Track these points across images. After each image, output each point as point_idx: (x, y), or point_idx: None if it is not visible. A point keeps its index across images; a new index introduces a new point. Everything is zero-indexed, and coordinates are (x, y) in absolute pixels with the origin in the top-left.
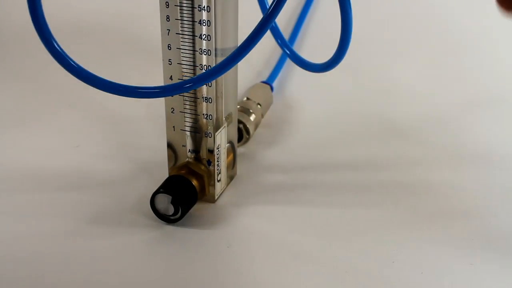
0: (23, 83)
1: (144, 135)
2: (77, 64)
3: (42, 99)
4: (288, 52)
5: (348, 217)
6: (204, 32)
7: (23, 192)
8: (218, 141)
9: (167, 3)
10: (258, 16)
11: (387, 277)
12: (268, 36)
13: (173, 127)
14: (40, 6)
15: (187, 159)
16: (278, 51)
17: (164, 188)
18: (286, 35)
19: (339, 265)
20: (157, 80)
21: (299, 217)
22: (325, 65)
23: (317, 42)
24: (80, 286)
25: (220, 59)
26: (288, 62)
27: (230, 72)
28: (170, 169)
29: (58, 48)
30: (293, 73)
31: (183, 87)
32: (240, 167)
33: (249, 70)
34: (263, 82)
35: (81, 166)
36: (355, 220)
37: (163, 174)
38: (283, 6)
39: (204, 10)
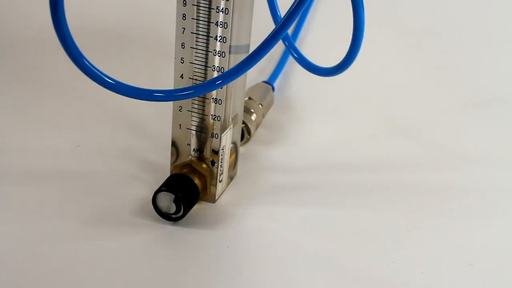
0: (23, 83)
1: (145, 135)
2: (116, 81)
3: (42, 99)
4: (296, 55)
5: (348, 217)
6: (219, 34)
7: (23, 192)
8: (223, 142)
9: (184, 2)
10: (267, 13)
11: (387, 277)
12: None
13: (179, 125)
14: (65, 21)
15: (190, 157)
16: (279, 51)
17: (167, 186)
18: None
19: (339, 265)
20: (167, 78)
21: (299, 217)
22: (334, 69)
23: (318, 43)
24: (80, 286)
25: (232, 57)
26: (290, 63)
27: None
28: (172, 167)
29: (91, 67)
30: (295, 74)
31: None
32: (240, 167)
33: (250, 70)
34: (265, 82)
35: (81, 166)
36: (355, 220)
37: (164, 174)
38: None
39: (222, 12)
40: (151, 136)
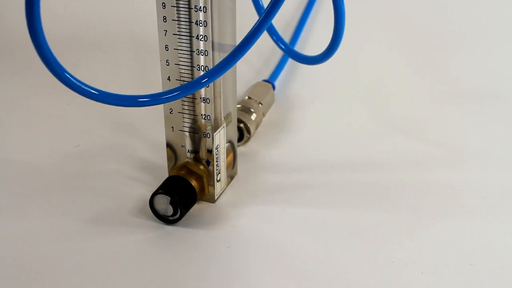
0: (22, 82)
1: (144, 135)
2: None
3: (41, 99)
4: (283, 46)
5: (348, 217)
6: (201, 33)
7: (23, 192)
8: (217, 141)
9: (163, 4)
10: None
11: (387, 277)
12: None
13: (172, 127)
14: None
15: (187, 159)
16: (279, 50)
17: (163, 189)
18: (289, 31)
19: (339, 265)
20: (157, 80)
21: (299, 217)
22: (319, 57)
23: (322, 39)
24: (79, 286)
25: (217, 55)
26: (290, 61)
27: (228, 72)
28: (170, 169)
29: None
30: (295, 72)
31: (180, 94)
32: (240, 167)
33: (250, 69)
34: (265, 80)
35: (81, 166)
36: (355, 220)
37: (163, 174)
38: (280, 9)
39: (201, 10)
40: (151, 136)
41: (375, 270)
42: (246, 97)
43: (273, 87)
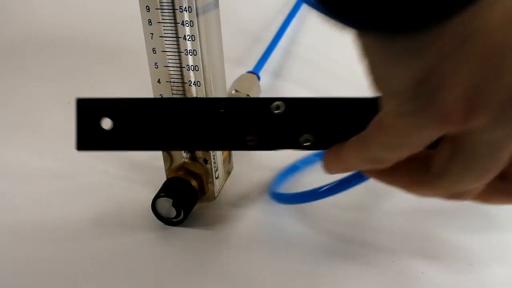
0: (22, 82)
1: None
2: None
3: (41, 98)
4: None
5: (348, 217)
6: (187, 33)
7: (23, 193)
8: None
9: (147, 7)
10: (250, 16)
11: (387, 277)
12: (251, 29)
13: None
14: None
15: (183, 159)
16: (264, 43)
17: (164, 192)
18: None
19: (339, 265)
20: (146, 83)
21: (298, 217)
22: None
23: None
24: (82, 284)
25: (205, 52)
26: (275, 53)
27: (216, 68)
28: (167, 171)
29: None
30: (285, 66)
31: None
32: (239, 165)
33: (233, 63)
34: (250, 72)
35: (81, 167)
36: (355, 219)
37: (163, 174)
38: None
39: (186, 11)
40: None
41: (376, 270)
42: (233, 91)
43: (258, 78)
